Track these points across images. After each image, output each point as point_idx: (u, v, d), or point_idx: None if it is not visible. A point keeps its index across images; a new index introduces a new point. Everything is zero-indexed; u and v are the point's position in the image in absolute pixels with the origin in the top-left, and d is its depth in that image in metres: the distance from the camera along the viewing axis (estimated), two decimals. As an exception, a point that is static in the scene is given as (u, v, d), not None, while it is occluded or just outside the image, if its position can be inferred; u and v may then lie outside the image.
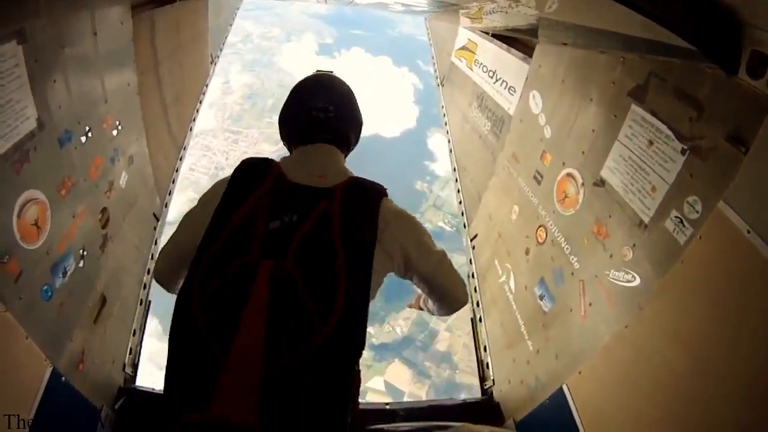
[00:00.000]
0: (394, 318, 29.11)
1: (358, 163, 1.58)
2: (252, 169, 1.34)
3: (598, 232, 2.18)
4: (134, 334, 3.14)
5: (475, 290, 3.71)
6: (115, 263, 2.79)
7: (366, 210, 1.27)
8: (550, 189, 2.67)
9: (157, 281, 1.45)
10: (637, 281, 1.86)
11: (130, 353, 3.04)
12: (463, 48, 4.55)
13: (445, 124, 5.05)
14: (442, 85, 5.28)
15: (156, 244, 3.56)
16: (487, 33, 4.08)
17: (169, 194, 3.93)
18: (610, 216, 2.11)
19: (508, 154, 3.35)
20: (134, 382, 3.03)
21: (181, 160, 4.24)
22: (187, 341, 1.12)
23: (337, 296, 1.10)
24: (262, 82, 43.42)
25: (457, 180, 4.57)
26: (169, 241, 1.41)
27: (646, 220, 1.86)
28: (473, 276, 3.78)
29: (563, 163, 2.58)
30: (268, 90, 41.65)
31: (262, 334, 1.05)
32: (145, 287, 3.33)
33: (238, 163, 1.38)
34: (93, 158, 2.48)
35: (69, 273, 2.20)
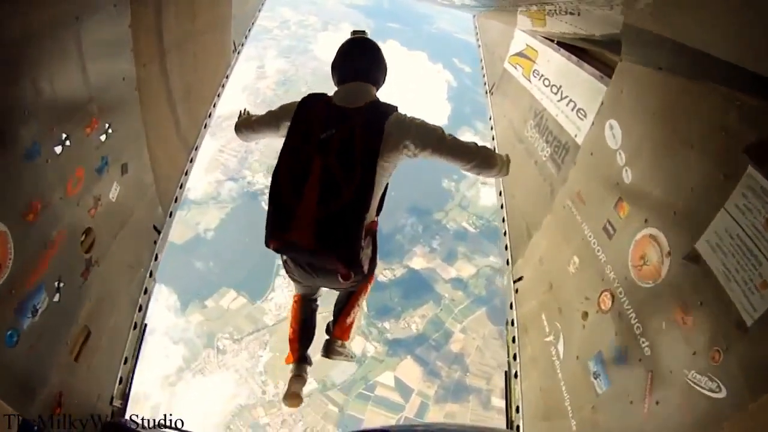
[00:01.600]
0: (410, 315, 29.12)
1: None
2: (312, 97, 2.12)
3: (683, 320, 1.74)
4: (126, 362, 2.82)
5: (513, 341, 3.22)
6: (102, 289, 2.45)
7: (378, 120, 1.97)
8: (624, 248, 2.15)
9: (235, 129, 2.40)
10: (723, 393, 1.51)
11: (119, 383, 2.74)
12: (520, 54, 3.98)
13: (493, 138, 4.48)
14: (491, 94, 4.69)
15: (156, 259, 3.19)
16: (551, 40, 3.49)
17: (175, 201, 3.51)
18: (701, 303, 1.67)
19: (572, 192, 2.80)
20: (124, 414, 2.73)
21: (191, 162, 3.81)
22: (276, 199, 1.98)
23: (356, 174, 1.90)
24: (296, 69, 43.16)
25: (502, 206, 4.00)
26: (257, 116, 2.35)
27: (749, 321, 1.46)
28: (513, 324, 3.28)
29: (645, 220, 2.06)
30: (301, 77, 41.33)
31: (317, 194, 1.91)
32: (140, 309, 2.98)
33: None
34: (72, 171, 2.09)
35: (41, 311, 1.90)
